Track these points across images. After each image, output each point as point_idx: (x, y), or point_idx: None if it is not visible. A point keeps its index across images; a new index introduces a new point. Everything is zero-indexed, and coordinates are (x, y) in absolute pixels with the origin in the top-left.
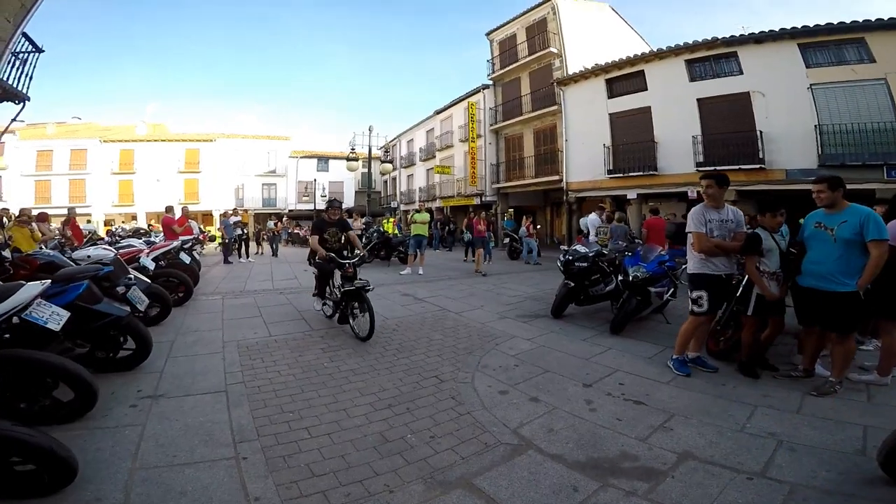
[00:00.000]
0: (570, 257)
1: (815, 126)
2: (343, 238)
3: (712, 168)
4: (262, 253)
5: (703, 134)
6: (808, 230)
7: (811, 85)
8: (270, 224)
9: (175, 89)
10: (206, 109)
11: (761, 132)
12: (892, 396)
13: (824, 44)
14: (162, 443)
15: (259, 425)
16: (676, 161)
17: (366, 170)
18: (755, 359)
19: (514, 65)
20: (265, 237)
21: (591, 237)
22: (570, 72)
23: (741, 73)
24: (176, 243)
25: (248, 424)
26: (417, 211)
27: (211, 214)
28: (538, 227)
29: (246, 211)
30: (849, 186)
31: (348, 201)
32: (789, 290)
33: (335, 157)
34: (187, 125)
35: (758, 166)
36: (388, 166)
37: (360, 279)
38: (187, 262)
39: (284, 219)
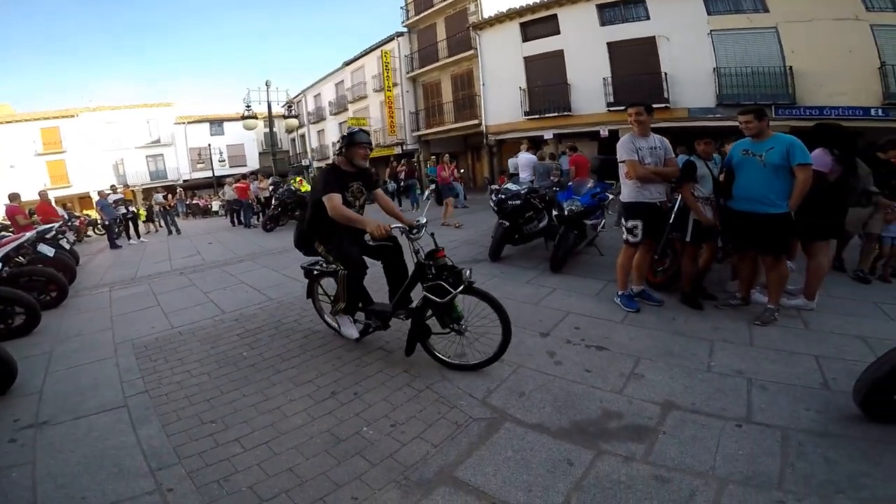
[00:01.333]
0: (503, 196)
1: (714, 69)
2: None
3: (622, 108)
4: (156, 231)
5: (612, 76)
6: (736, 157)
7: (711, 31)
8: (158, 197)
9: (10, 67)
10: (64, 83)
11: (666, 74)
12: (824, 321)
13: None
14: (62, 483)
15: (177, 444)
16: (588, 102)
17: (268, 129)
18: (696, 288)
19: (430, 10)
20: (158, 213)
21: (525, 176)
22: (486, 16)
23: (648, 18)
24: (29, 235)
25: (163, 445)
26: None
27: (89, 196)
28: (461, 171)
29: (127, 187)
30: (730, 124)
31: (252, 163)
32: (720, 217)
33: (230, 119)
34: (40, 103)
35: (663, 105)
36: (294, 122)
37: (456, 266)
38: (50, 254)
39: (179, 190)
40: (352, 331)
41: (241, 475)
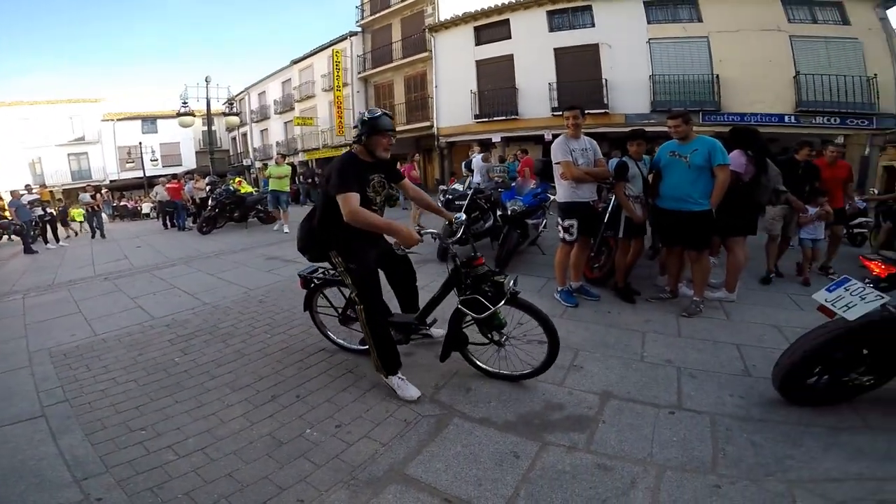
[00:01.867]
0: (450, 196)
1: (650, 76)
2: (388, 195)
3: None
4: (75, 235)
5: (557, 81)
6: (663, 159)
7: (649, 39)
8: (86, 197)
9: None
10: None
11: (606, 80)
12: (743, 312)
13: (664, 3)
14: None
15: (103, 454)
16: (534, 106)
17: (206, 128)
18: (629, 284)
19: (386, 11)
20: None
21: (476, 178)
22: (442, 18)
23: (593, 25)
24: None
25: (88, 454)
26: (277, 164)
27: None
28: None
29: (44, 187)
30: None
31: (188, 163)
32: (650, 215)
33: (165, 117)
34: None
35: (603, 111)
36: (235, 119)
37: (500, 273)
38: None
39: (104, 190)
40: (410, 391)
41: (177, 482)
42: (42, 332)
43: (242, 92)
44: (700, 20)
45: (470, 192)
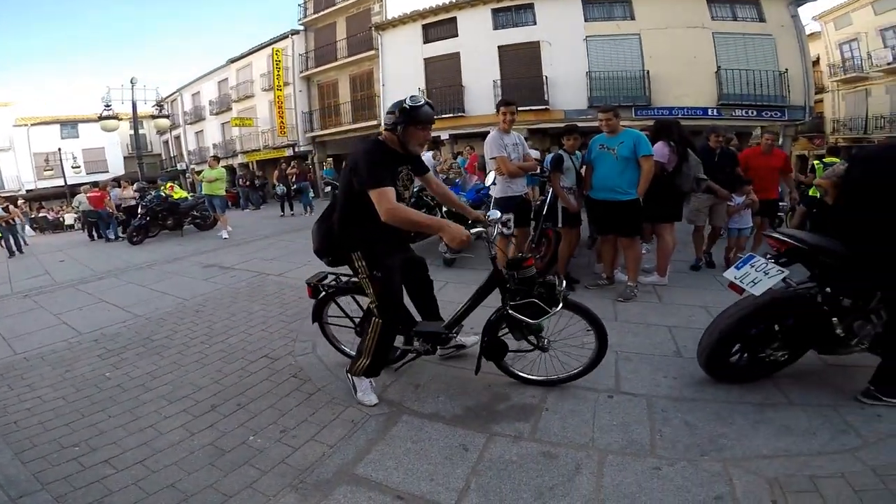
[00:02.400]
0: None
1: (587, 73)
2: (413, 190)
3: None
4: None
5: (501, 78)
6: (594, 152)
7: (587, 37)
8: None
9: None
10: None
11: (547, 77)
12: (675, 295)
13: (601, 1)
14: None
15: (37, 471)
16: (480, 104)
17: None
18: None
19: (331, 9)
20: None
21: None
22: (390, 17)
23: (535, 23)
24: None
25: (20, 473)
26: (210, 168)
27: None
28: None
29: None
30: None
31: (115, 169)
32: (584, 205)
33: (87, 121)
34: None
35: (543, 107)
36: (164, 122)
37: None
38: None
39: (20, 202)
40: (371, 396)
41: (118, 495)
42: None
43: (175, 93)
44: (633, 18)
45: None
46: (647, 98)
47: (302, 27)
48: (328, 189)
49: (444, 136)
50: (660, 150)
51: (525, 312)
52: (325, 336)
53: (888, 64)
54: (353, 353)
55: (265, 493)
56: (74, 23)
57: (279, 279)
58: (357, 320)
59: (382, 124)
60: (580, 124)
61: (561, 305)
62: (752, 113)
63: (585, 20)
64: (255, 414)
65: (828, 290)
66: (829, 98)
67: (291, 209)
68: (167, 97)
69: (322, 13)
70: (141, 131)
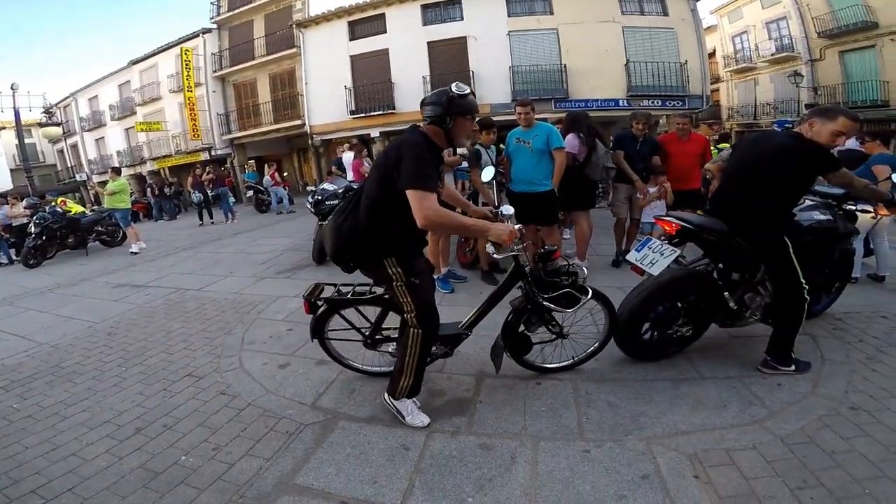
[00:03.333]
0: (320, 197)
1: (510, 67)
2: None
3: None
4: None
5: (430, 74)
6: (511, 146)
7: (509, 32)
8: None
9: None
10: None
11: (473, 72)
12: (595, 278)
13: None
14: None
15: None
16: (410, 100)
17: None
18: (493, 266)
19: (247, 6)
20: None
21: (352, 175)
22: (313, 14)
23: (462, 19)
24: None
25: None
26: (112, 180)
27: None
28: (285, 174)
29: None
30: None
31: (2, 184)
32: (506, 196)
33: None
34: None
35: None
36: (55, 130)
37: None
38: None
39: None
40: (422, 417)
41: None
42: None
43: (68, 97)
44: (552, 13)
45: (341, 191)
46: (565, 91)
47: (215, 25)
48: (251, 193)
49: (375, 133)
50: (571, 141)
51: (561, 303)
52: (326, 352)
53: (772, 55)
54: (359, 365)
55: None
56: None
57: (199, 293)
58: (366, 332)
59: (307, 124)
60: (503, 117)
61: (591, 293)
62: (658, 103)
63: (508, 15)
64: (185, 434)
65: (720, 266)
66: (724, 87)
67: (211, 217)
68: (59, 102)
69: (238, 10)
70: (30, 140)
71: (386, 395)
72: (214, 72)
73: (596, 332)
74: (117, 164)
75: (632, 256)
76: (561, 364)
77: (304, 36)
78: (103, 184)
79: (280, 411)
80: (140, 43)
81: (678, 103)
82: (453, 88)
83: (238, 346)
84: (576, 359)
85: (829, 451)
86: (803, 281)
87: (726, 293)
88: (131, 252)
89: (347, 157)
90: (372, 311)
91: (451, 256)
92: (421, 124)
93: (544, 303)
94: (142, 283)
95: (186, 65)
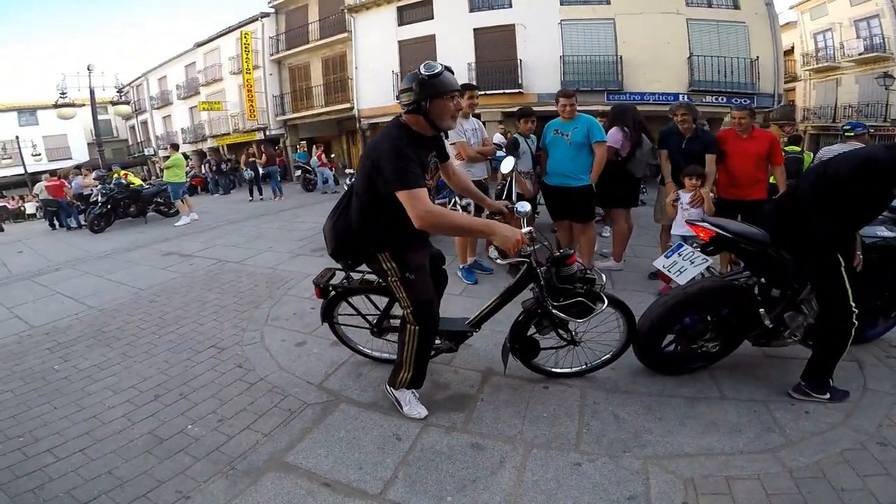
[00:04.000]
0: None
1: (561, 56)
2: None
3: (483, 93)
4: None
5: (476, 61)
6: (548, 137)
7: (561, 20)
8: None
9: None
10: None
11: (521, 60)
12: (628, 280)
13: None
14: None
15: None
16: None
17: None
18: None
19: None
20: None
21: None
22: None
23: (511, 6)
24: None
25: None
26: (171, 155)
27: None
28: (332, 156)
29: None
30: (579, 108)
31: (80, 156)
32: (541, 191)
33: (46, 107)
34: None
35: (517, 91)
36: (125, 108)
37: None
38: None
39: None
40: (419, 408)
41: (58, 483)
42: None
43: (140, 77)
44: (608, 2)
45: None
46: (620, 83)
47: (272, 10)
48: (299, 173)
49: None
50: (614, 135)
51: (571, 311)
52: (336, 336)
53: (859, 54)
54: (368, 351)
55: (196, 480)
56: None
57: (238, 266)
58: (373, 320)
59: (356, 108)
60: (551, 108)
61: (607, 302)
62: (722, 99)
63: (561, 4)
64: (196, 403)
65: (762, 280)
66: (801, 87)
67: (261, 193)
68: (132, 82)
69: None
70: (105, 117)
71: (387, 384)
72: (271, 55)
73: (614, 340)
74: (179, 142)
75: (659, 262)
76: (571, 370)
77: (355, 21)
78: (167, 158)
79: (288, 389)
80: (208, 26)
81: (746, 101)
82: (422, 69)
83: (263, 321)
84: (588, 365)
85: (838, 489)
86: (853, 303)
87: (762, 310)
88: (175, 225)
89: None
90: (381, 300)
91: (481, 247)
92: (402, 115)
93: (553, 311)
94: (188, 252)
95: (246, 48)
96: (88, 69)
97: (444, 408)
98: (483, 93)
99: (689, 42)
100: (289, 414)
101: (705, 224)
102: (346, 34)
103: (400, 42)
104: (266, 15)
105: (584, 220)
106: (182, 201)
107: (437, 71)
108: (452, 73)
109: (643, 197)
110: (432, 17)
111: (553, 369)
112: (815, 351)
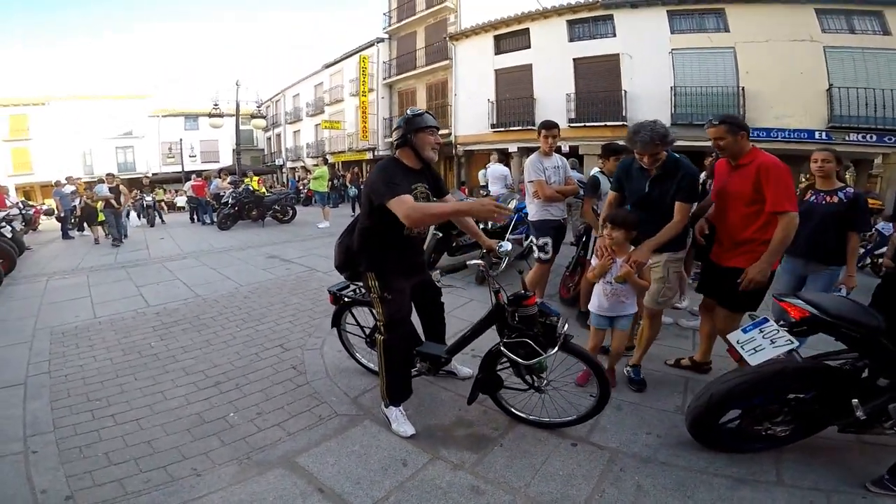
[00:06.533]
0: None
1: (671, 87)
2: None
3: (582, 125)
4: (96, 242)
5: (576, 92)
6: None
7: (672, 50)
8: (102, 189)
9: None
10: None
11: (626, 92)
12: (716, 344)
13: (690, 12)
14: None
15: (57, 417)
16: (552, 117)
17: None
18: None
19: (411, 18)
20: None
21: (495, 189)
22: (464, 27)
23: (614, 35)
24: None
25: (45, 417)
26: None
27: (52, 185)
28: None
29: (80, 180)
30: (691, 143)
31: (225, 160)
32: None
33: (206, 115)
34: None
35: (621, 123)
36: (260, 122)
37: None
38: None
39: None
40: (406, 426)
41: (103, 444)
42: (52, 313)
43: (279, 93)
44: (727, 30)
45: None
46: (742, 117)
47: (387, 35)
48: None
49: (513, 148)
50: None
51: (518, 352)
52: (341, 341)
53: None
54: (364, 361)
55: (213, 461)
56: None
57: (324, 276)
58: (368, 331)
59: (453, 134)
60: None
61: (556, 349)
62: (872, 137)
63: (672, 32)
64: (246, 395)
65: (868, 366)
66: None
67: (353, 211)
68: (272, 97)
69: (404, 22)
70: (247, 127)
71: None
72: (384, 79)
73: (584, 402)
74: (308, 156)
75: (734, 337)
76: (534, 418)
77: (456, 49)
78: (304, 169)
79: (325, 396)
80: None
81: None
82: (408, 111)
83: (328, 329)
84: (550, 420)
85: None
86: None
87: (855, 400)
88: (318, 227)
89: (493, 169)
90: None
91: (554, 289)
92: (395, 152)
93: (501, 347)
94: (288, 258)
95: (363, 71)
96: (236, 85)
97: (460, 445)
98: (582, 125)
99: (828, 72)
100: (318, 420)
101: (797, 302)
102: (447, 61)
103: (496, 70)
104: (381, 40)
105: None
106: (324, 208)
107: (419, 112)
108: (433, 115)
109: None
110: (529, 47)
111: (516, 412)
112: None
